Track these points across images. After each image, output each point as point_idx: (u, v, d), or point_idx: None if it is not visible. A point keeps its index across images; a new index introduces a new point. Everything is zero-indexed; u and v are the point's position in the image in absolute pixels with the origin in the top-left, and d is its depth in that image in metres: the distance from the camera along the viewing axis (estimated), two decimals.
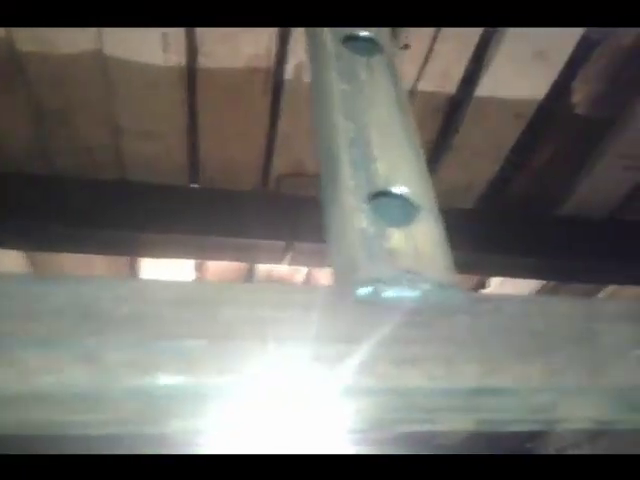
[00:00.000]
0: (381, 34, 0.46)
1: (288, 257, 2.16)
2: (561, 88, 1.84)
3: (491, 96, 1.85)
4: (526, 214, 2.33)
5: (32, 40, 1.70)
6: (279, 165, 2.11)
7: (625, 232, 2.36)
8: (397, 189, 0.35)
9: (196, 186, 2.22)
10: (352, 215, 0.33)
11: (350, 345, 0.27)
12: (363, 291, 0.30)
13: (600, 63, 1.79)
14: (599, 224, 2.35)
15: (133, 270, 2.59)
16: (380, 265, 0.31)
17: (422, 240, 0.33)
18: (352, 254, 0.32)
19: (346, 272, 0.31)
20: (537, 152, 2.09)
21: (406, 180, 0.36)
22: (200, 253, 2.39)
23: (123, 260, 2.53)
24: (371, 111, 0.40)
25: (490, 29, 1.71)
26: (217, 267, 2.62)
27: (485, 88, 1.84)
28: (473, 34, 1.71)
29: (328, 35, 0.45)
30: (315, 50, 0.45)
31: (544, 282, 2.69)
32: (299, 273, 2.63)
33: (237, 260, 2.49)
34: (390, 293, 0.30)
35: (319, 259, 2.36)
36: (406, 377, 0.26)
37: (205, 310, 0.28)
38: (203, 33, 1.69)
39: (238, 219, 2.18)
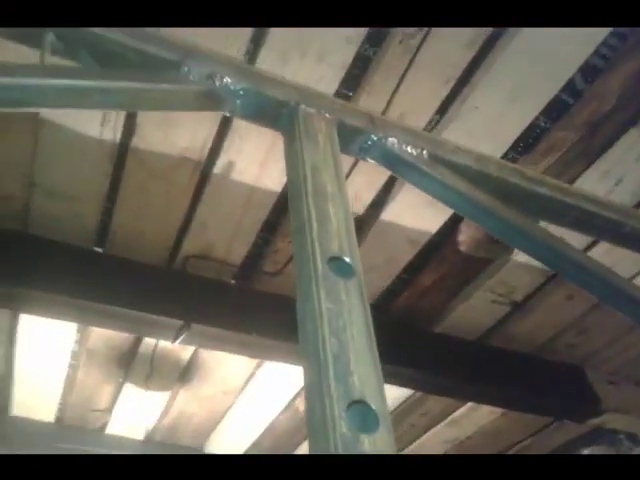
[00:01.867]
0: (356, 259, 0.59)
1: (182, 336, 2.18)
2: (450, 228, 2.12)
3: (392, 222, 2.08)
4: (406, 328, 2.54)
5: None
6: (189, 246, 2.18)
7: (488, 356, 2.64)
8: (367, 400, 0.46)
9: (100, 250, 2.21)
10: (335, 421, 0.44)
11: None
12: None
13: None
14: (467, 346, 2.62)
15: (13, 322, 2.46)
16: None
17: (382, 447, 0.44)
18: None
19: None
20: (424, 275, 2.34)
21: (372, 393, 0.47)
22: (88, 318, 2.34)
23: (4, 313, 2.41)
24: (349, 330, 0.51)
25: None
26: (101, 333, 2.56)
27: (388, 214, 2.06)
28: (384, 171, 1.94)
29: (317, 255, 0.57)
30: (303, 268, 0.57)
31: (412, 392, 2.90)
32: (185, 351, 2.64)
33: (126, 331, 2.46)
34: None
35: (210, 341, 2.40)
36: None
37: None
38: (143, 117, 1.78)
39: (137, 290, 2.19)
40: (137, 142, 1.84)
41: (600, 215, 0.88)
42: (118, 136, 1.83)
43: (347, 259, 0.59)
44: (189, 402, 2.99)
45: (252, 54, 1.61)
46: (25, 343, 2.57)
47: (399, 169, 0.82)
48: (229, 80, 0.68)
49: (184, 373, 2.80)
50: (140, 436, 2.99)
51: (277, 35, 1.57)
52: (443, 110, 1.80)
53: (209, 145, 1.86)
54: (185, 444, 3.30)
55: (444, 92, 1.74)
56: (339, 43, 1.60)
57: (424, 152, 0.79)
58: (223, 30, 1.51)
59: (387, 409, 0.47)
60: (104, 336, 2.57)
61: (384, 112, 1.77)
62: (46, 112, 1.74)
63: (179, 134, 1.83)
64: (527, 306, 2.43)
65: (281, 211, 2.10)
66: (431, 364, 2.54)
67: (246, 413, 3.08)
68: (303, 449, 3.15)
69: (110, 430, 3.19)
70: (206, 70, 0.67)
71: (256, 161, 1.91)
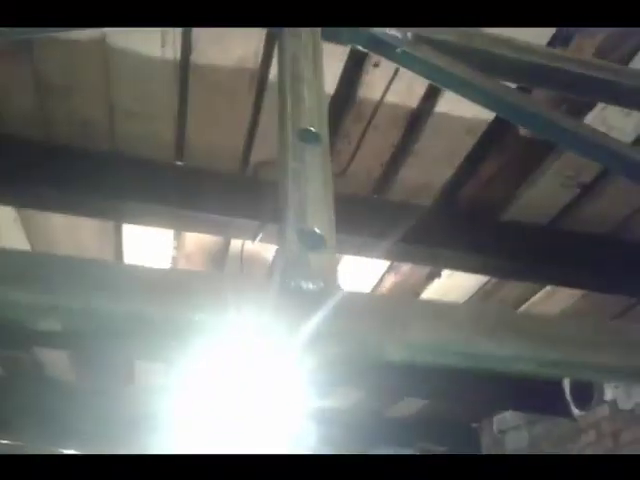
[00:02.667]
0: (323, 131, 0.71)
1: (260, 235, 2.40)
2: None
3: (447, 113, 2.11)
4: (475, 216, 2.60)
5: None
6: (258, 153, 2.34)
7: (561, 239, 2.65)
8: (317, 230, 0.60)
9: (181, 163, 2.44)
10: (290, 244, 0.59)
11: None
12: (293, 285, 0.56)
13: (545, 91, 2.05)
14: (539, 230, 2.64)
15: (118, 235, 2.81)
16: (303, 274, 0.57)
17: (326, 261, 0.59)
18: (289, 267, 0.57)
19: (285, 276, 0.58)
20: (486, 164, 2.36)
21: (322, 225, 0.61)
22: (179, 224, 2.63)
23: (109, 225, 2.76)
24: (309, 185, 0.65)
25: None
26: (195, 238, 2.85)
27: (443, 106, 2.09)
28: None
29: (289, 127, 0.70)
30: (280, 141, 0.70)
31: (488, 278, 2.99)
32: (267, 250, 2.88)
33: (213, 234, 2.73)
34: (306, 288, 0.56)
35: None
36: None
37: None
38: (198, 34, 1.91)
39: (217, 197, 2.42)
40: (196, 58, 1.98)
41: (593, 77, 0.91)
42: (178, 55, 1.97)
43: (314, 130, 0.71)
44: None
45: None
46: (131, 252, 2.93)
47: (385, 52, 0.90)
48: None
49: (271, 271, 3.07)
50: None
51: None
52: None
53: (261, 53, 1.96)
54: None
55: None
56: None
57: (408, 34, 0.86)
58: None
59: (334, 238, 0.62)
60: (197, 241, 2.87)
61: None
62: (111, 39, 1.91)
63: (232, 46, 1.94)
64: (598, 186, 2.39)
65: (338, 113, 2.18)
66: (501, 250, 2.61)
67: None
68: None
69: None
70: None
71: None
